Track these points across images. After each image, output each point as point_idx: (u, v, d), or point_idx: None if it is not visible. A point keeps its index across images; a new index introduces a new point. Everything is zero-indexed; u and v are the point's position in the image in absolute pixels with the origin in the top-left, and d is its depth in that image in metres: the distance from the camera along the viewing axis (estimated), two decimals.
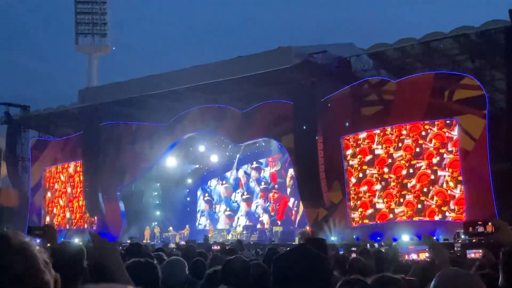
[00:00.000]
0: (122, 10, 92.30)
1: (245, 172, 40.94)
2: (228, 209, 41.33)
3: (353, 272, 5.93)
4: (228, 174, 41.60)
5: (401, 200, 27.81)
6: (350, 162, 29.59)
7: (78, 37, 60.18)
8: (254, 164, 40.29)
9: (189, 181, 42.39)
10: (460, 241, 18.93)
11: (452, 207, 26.33)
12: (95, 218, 37.94)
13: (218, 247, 11.73)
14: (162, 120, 35.71)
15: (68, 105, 40.05)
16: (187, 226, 38.92)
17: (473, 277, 2.94)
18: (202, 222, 42.33)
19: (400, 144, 28.16)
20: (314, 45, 29.91)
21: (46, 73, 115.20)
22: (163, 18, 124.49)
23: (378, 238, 26.92)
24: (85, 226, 38.74)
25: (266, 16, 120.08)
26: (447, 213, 26.42)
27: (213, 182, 42.76)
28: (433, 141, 27.17)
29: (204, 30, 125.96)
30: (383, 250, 9.71)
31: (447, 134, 26.79)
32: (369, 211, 28.78)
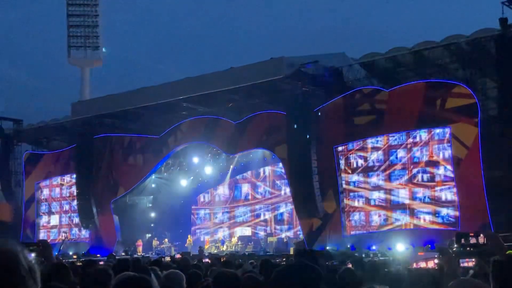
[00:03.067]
0: (114, 23, 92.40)
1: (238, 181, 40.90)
2: (222, 219, 41.25)
3: (343, 284, 5.93)
4: (222, 184, 41.51)
5: (396, 209, 27.83)
6: (344, 171, 29.59)
7: (70, 50, 60.12)
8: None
9: (183, 192, 42.22)
10: (454, 249, 18.97)
11: (447, 214, 26.36)
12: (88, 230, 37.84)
13: (209, 261, 11.55)
14: (155, 132, 35.66)
15: (60, 118, 39.99)
16: (189, 237, 38.65)
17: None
18: (197, 233, 42.15)
19: (394, 153, 28.20)
20: (306, 56, 29.98)
21: (39, 87, 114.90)
22: (155, 30, 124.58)
23: (374, 247, 26.90)
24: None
25: (258, 27, 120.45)
26: (442, 221, 26.45)
27: (207, 193, 42.65)
28: (427, 149, 27.26)
29: (197, 42, 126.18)
30: (376, 260, 9.73)
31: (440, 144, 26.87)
32: (364, 220, 28.78)
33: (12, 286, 1.78)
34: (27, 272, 1.83)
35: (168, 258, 16.62)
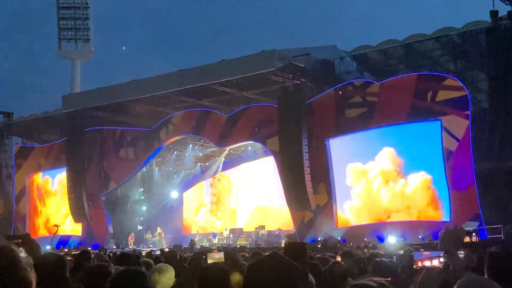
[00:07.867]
0: (105, 16, 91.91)
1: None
2: (213, 212, 41.25)
3: (333, 276, 5.92)
4: (213, 177, 41.50)
5: (388, 201, 27.86)
6: (336, 164, 29.59)
7: (61, 43, 59.75)
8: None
9: (174, 185, 42.19)
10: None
11: (437, 207, 26.41)
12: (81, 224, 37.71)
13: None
14: (146, 125, 35.59)
15: (51, 111, 39.81)
16: (159, 229, 37.91)
17: (494, 285, 2.90)
18: (188, 226, 42.10)
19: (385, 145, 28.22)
20: (297, 48, 29.96)
21: (29, 79, 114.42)
22: (146, 23, 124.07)
23: (366, 239, 26.92)
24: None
25: (249, 20, 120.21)
26: (433, 214, 26.50)
27: (198, 186, 42.61)
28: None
29: (188, 34, 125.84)
30: (366, 252, 9.75)
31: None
32: (355, 212, 28.81)
33: (17, 279, 1.77)
34: (28, 265, 1.82)
35: (158, 252, 16.61)
